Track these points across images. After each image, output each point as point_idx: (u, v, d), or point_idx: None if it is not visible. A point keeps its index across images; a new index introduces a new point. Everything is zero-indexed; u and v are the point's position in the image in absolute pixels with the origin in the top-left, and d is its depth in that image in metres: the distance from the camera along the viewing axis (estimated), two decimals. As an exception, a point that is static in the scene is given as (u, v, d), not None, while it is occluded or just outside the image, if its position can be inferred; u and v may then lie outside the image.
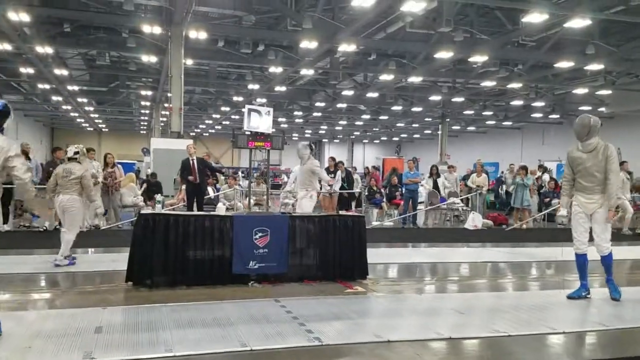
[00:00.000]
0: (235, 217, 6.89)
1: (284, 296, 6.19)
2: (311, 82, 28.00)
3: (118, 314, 5.41)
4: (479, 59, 19.59)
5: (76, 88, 29.36)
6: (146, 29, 16.91)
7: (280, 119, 39.45)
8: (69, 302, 5.95)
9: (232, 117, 38.80)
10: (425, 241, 11.91)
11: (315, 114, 37.27)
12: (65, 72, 25.07)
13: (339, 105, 33.35)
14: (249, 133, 7.51)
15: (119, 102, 35.23)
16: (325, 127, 49.06)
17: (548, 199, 16.08)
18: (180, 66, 16.77)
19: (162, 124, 30.86)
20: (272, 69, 23.10)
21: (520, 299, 6.57)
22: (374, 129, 49.97)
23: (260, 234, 6.80)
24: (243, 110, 7.94)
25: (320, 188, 13.76)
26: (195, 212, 9.93)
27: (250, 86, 27.49)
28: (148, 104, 34.12)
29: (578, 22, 14.74)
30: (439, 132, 38.31)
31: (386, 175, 20.28)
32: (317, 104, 32.90)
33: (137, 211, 12.51)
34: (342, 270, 7.19)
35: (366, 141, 61.83)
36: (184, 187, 12.54)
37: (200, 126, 49.76)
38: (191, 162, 12.03)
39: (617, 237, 13.03)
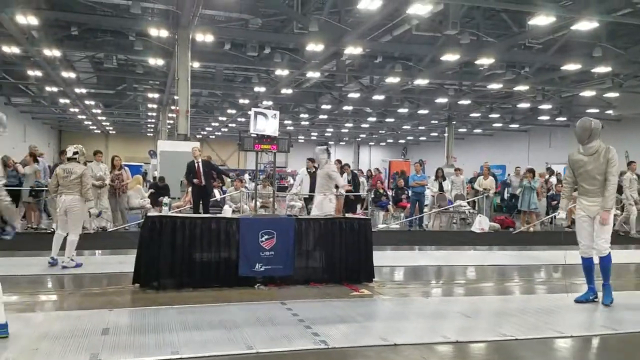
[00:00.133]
0: (242, 220, 6.90)
1: (290, 299, 6.20)
2: (317, 85, 28.00)
3: (125, 315, 5.44)
4: (485, 61, 19.53)
5: (84, 91, 29.50)
6: (153, 32, 16.97)
7: (286, 122, 39.46)
8: (76, 304, 5.99)
9: (239, 119, 38.87)
10: (431, 244, 11.88)
11: (321, 116, 37.27)
12: (72, 75, 25.19)
13: (345, 108, 33.33)
14: (255, 136, 7.52)
15: (126, 105, 35.38)
16: (331, 130, 49.05)
17: (556, 202, 16.00)
18: (187, 69, 16.81)
19: (169, 127, 30.93)
20: (278, 72, 23.13)
21: (527, 302, 6.55)
22: (380, 132, 49.93)
23: (266, 237, 6.81)
24: (249, 112, 7.94)
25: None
26: (202, 215, 9.94)
27: (257, 89, 27.52)
28: (155, 106, 34.21)
29: (585, 25, 14.66)
30: (446, 135, 38.21)
31: (393, 176, 20.22)
32: (323, 106, 32.89)
33: (144, 213, 12.57)
34: (348, 273, 7.19)
35: (372, 144, 61.79)
36: (190, 189, 12.57)
37: (207, 129, 49.88)
38: (196, 164, 12.06)
39: (626, 240, 13.03)
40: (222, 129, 47.76)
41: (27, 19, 15.05)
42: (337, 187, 9.73)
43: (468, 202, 16.47)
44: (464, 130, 43.96)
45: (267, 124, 7.57)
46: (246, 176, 26.84)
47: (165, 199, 9.57)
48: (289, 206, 14.74)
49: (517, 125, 38.80)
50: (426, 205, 15.88)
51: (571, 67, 19.77)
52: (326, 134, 53.81)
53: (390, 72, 22.58)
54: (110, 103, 35.59)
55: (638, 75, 23.00)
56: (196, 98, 31.84)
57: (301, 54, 20.37)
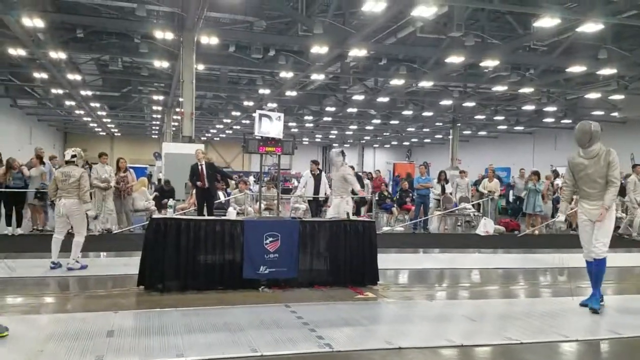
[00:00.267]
0: (246, 222, 6.91)
1: (295, 301, 6.20)
2: (322, 87, 28.01)
3: (130, 318, 5.45)
4: (490, 63, 19.50)
5: (89, 93, 29.61)
6: (158, 34, 17.03)
7: (290, 124, 39.50)
8: (81, 306, 6.00)
9: (243, 121, 38.91)
10: (436, 247, 11.86)
11: (325, 118, 37.28)
12: (78, 77, 25.29)
13: (350, 110, 33.31)
14: (260, 138, 7.53)
15: (131, 107, 35.47)
16: (336, 132, 49.05)
17: (560, 205, 15.94)
18: (192, 71, 16.85)
19: (174, 129, 31.05)
20: (283, 74, 23.16)
21: (532, 305, 6.51)
22: (385, 134, 49.88)
23: (270, 239, 6.81)
24: (254, 115, 7.95)
25: (331, 193, 13.78)
26: (206, 217, 9.95)
27: (261, 91, 27.57)
28: (160, 108, 34.31)
29: (590, 27, 14.62)
30: (450, 137, 38.11)
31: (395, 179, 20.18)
32: (328, 108, 32.90)
33: (148, 215, 12.59)
34: (353, 276, 7.18)
35: (376, 146, 61.74)
36: (194, 191, 12.58)
37: (212, 131, 49.96)
38: (200, 167, 12.07)
39: (629, 243, 12.98)
40: (227, 131, 47.82)
41: (33, 22, 15.13)
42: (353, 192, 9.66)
43: (473, 205, 16.43)
44: (469, 132, 43.87)
45: (271, 126, 7.58)
46: (251, 178, 26.89)
47: (170, 201, 9.60)
48: (293, 208, 14.73)
49: (522, 128, 38.69)
50: (430, 207, 15.86)
51: (576, 69, 19.71)
52: (330, 136, 53.82)
53: (394, 74, 22.58)
54: (115, 105, 35.72)
55: (643, 77, 22.92)
56: (201, 100, 31.92)
57: (306, 56, 20.39)
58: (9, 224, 11.51)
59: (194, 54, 16.87)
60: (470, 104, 30.12)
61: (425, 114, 33.71)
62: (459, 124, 37.81)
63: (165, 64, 21.61)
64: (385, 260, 8.80)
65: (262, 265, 6.74)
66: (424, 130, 44.56)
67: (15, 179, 11.51)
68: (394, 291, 7.16)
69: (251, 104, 31.18)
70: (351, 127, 43.69)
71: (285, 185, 31.09)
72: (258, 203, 10.40)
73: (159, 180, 19.53)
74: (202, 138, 48.49)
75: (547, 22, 14.33)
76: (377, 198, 16.37)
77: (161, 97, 30.44)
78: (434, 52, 19.29)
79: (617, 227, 14.46)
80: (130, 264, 7.48)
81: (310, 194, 13.42)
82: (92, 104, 33.66)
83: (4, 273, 7.34)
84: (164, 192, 14.31)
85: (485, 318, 5.87)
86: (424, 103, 31.69)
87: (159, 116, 39.07)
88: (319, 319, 5.48)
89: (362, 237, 7.28)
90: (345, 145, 60.71)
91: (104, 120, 43.37)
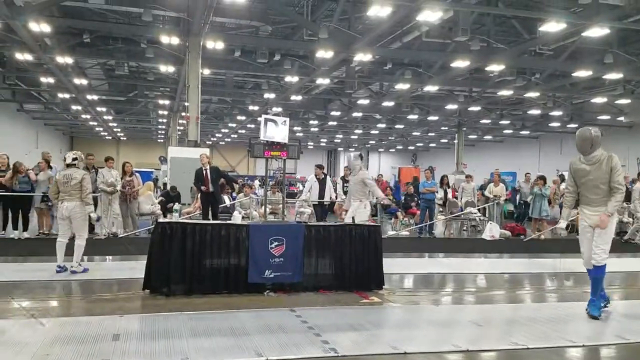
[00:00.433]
0: (251, 226, 6.91)
1: (300, 306, 6.18)
2: (327, 91, 28.07)
3: (135, 321, 5.46)
4: (495, 68, 19.50)
5: (95, 97, 29.78)
6: (164, 39, 17.12)
7: (295, 128, 39.57)
8: (87, 310, 6.01)
9: (248, 125, 39.03)
10: (441, 251, 11.81)
11: (330, 122, 37.34)
12: (84, 82, 25.46)
13: (355, 114, 33.37)
14: (265, 142, 7.54)
15: (137, 111, 35.67)
16: (341, 136, 49.08)
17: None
18: (198, 76, 16.92)
19: (179, 133, 31.13)
20: (288, 79, 23.22)
21: (538, 311, 6.47)
22: (390, 138, 49.88)
23: (276, 243, 6.81)
24: (259, 119, 7.96)
25: (336, 197, 13.78)
26: (211, 221, 9.96)
27: (266, 95, 27.64)
28: (165, 113, 34.46)
29: (596, 31, 14.60)
30: (456, 141, 38.10)
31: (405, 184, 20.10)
32: (333, 113, 32.96)
33: (154, 219, 12.62)
34: (358, 280, 7.16)
35: (382, 150, 61.72)
36: (199, 195, 12.60)
37: (217, 135, 50.12)
38: (204, 171, 12.09)
39: (636, 248, 12.91)
40: (232, 135, 47.96)
41: (40, 27, 15.25)
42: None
43: (478, 209, 16.39)
44: (474, 136, 43.82)
45: (277, 130, 7.59)
46: (256, 182, 26.92)
47: (176, 205, 9.61)
48: (298, 213, 14.74)
49: (527, 132, 38.62)
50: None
51: (582, 73, 19.69)
52: (335, 140, 53.86)
53: (400, 79, 22.60)
54: (121, 109, 35.92)
55: (650, 81, 22.86)
56: (206, 104, 32.05)
57: (311, 61, 20.45)
58: (15, 227, 11.56)
59: (199, 59, 16.95)
60: (475, 108, 30.09)
61: (431, 118, 33.70)
62: (465, 128, 37.80)
63: (171, 69, 21.72)
64: (391, 264, 8.79)
65: (267, 269, 6.74)
66: (429, 134, 44.55)
67: (21, 183, 11.56)
68: (400, 296, 7.14)
69: (256, 108, 31.27)
70: (356, 131, 43.72)
71: (291, 190, 31.10)
72: (263, 207, 10.40)
73: (165, 184, 19.59)
74: (208, 142, 48.59)
75: (552, 26, 14.32)
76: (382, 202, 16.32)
77: (167, 102, 30.57)
78: (440, 56, 19.31)
79: (624, 232, 14.43)
80: (136, 268, 7.50)
81: (315, 198, 13.43)
82: (99, 109, 33.86)
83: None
84: (169, 198, 14.34)
85: (491, 323, 5.84)
86: (429, 107, 31.71)
87: (164, 120, 39.25)
88: (324, 323, 5.47)
89: (367, 242, 7.27)
90: (350, 149, 60.72)
91: (110, 124, 43.59)
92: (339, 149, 61.49)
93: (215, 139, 52.88)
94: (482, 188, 18.64)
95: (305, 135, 46.95)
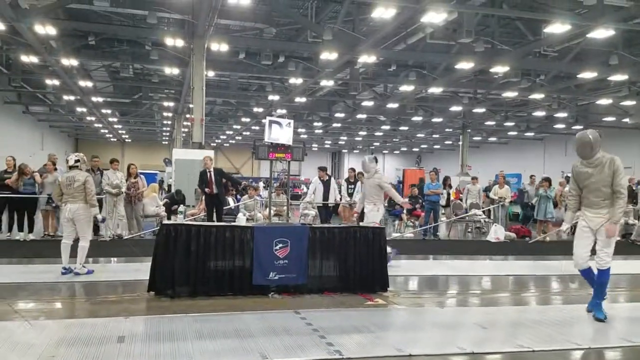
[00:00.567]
0: (256, 228, 6.91)
1: (304, 308, 6.18)
2: (331, 93, 28.08)
3: (140, 323, 5.47)
4: (500, 69, 19.46)
5: (100, 99, 29.88)
6: (169, 41, 17.17)
7: (299, 130, 39.58)
8: (92, 312, 6.03)
9: (253, 127, 39.08)
10: (446, 253, 11.79)
11: (335, 124, 37.34)
12: (89, 84, 25.56)
13: (359, 116, 33.36)
14: (270, 144, 7.54)
15: (142, 113, 35.77)
16: (345, 138, 49.11)
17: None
18: (202, 78, 16.96)
19: (184, 135, 31.21)
20: (292, 80, 23.25)
21: (544, 313, 6.44)
22: (394, 140, 49.87)
23: (280, 245, 6.81)
24: (263, 121, 7.97)
25: (341, 199, 13.79)
26: (216, 223, 9.97)
27: (271, 97, 27.68)
28: (170, 115, 34.55)
29: (601, 33, 14.55)
30: (460, 143, 38.03)
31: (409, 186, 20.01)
32: (337, 114, 32.96)
33: (159, 221, 12.64)
34: (363, 282, 7.15)
35: (386, 152, 61.70)
36: (204, 197, 12.62)
37: (221, 137, 50.21)
38: (208, 173, 12.11)
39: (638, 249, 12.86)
40: (236, 137, 48.03)
41: (46, 29, 15.32)
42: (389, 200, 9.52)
43: (483, 211, 16.35)
44: (479, 138, 43.75)
45: (281, 132, 7.60)
46: (260, 184, 26.93)
47: (181, 207, 9.63)
48: (302, 214, 14.74)
49: (532, 134, 38.53)
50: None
51: (587, 75, 19.63)
52: (340, 142, 53.87)
53: (404, 80, 22.59)
54: (126, 111, 36.04)
55: (655, 83, 22.76)
56: (211, 106, 32.09)
57: (315, 63, 20.46)
58: (20, 229, 11.60)
59: (204, 61, 16.98)
60: (480, 110, 30.05)
61: (435, 120, 33.67)
62: (469, 130, 37.72)
63: (175, 71, 21.78)
64: (396, 266, 8.80)
65: (271, 271, 6.75)
66: (434, 136, 44.50)
67: (26, 185, 11.61)
68: (404, 298, 7.13)
69: (261, 110, 31.32)
70: (360, 133, 43.73)
71: (295, 192, 31.11)
72: (267, 209, 10.41)
73: (169, 186, 19.61)
74: (212, 144, 48.76)
75: (557, 28, 14.29)
76: (386, 204, 16.29)
77: (171, 104, 30.66)
78: (444, 58, 19.29)
79: (629, 234, 14.38)
80: (140, 270, 7.51)
81: (320, 200, 13.44)
82: (103, 111, 33.98)
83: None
84: (174, 200, 14.38)
85: (496, 325, 5.83)
86: (434, 109, 31.67)
87: (169, 122, 39.34)
88: (329, 325, 5.47)
89: (372, 244, 7.26)
90: (354, 151, 60.77)
91: (115, 126, 43.74)
92: (343, 150, 61.53)
93: (219, 141, 52.99)
94: (487, 190, 18.60)
95: (309, 137, 46.97)
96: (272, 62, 19.54)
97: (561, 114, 30.11)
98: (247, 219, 13.17)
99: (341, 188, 14.28)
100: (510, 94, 24.70)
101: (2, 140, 27.80)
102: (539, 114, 30.61)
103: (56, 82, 25.37)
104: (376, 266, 7.22)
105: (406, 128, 38.76)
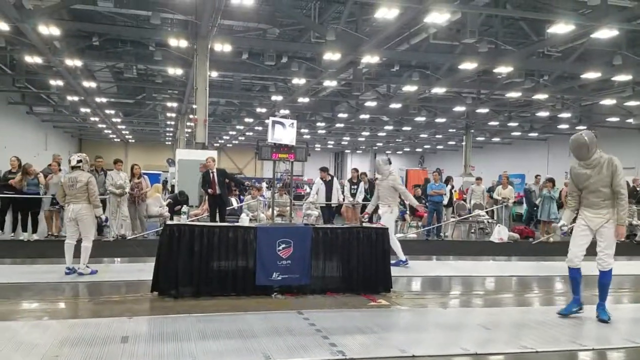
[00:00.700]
0: (259, 229, 6.92)
1: (307, 308, 6.19)
2: (334, 94, 28.08)
3: (144, 324, 5.48)
4: (503, 69, 19.41)
5: (104, 100, 29.95)
6: (172, 42, 17.20)
7: (303, 130, 39.58)
8: (95, 312, 6.04)
9: (256, 128, 39.11)
10: (449, 254, 11.78)
11: (337, 124, 37.34)
12: (93, 85, 25.62)
13: (362, 116, 33.35)
14: (273, 145, 7.55)
15: (146, 114, 35.83)
16: (348, 138, 49.08)
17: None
18: (206, 78, 16.98)
19: (187, 135, 31.24)
20: (296, 81, 23.26)
21: (547, 314, 6.41)
22: (397, 140, 49.82)
23: (283, 246, 6.82)
24: (266, 121, 7.99)
25: (344, 199, 13.79)
26: (219, 223, 9.98)
27: (274, 97, 27.69)
28: (173, 115, 34.62)
29: (605, 33, 14.50)
30: (463, 143, 37.97)
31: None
32: (340, 115, 32.97)
33: (162, 221, 12.66)
34: (366, 283, 7.15)
35: (389, 152, 61.53)
36: (207, 198, 12.64)
37: (225, 137, 50.26)
38: (211, 174, 12.11)
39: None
40: (240, 138, 48.09)
41: (50, 30, 15.38)
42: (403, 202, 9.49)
43: (487, 212, 16.33)
44: (482, 138, 43.68)
45: (284, 133, 7.61)
46: (263, 184, 26.96)
47: (184, 208, 9.63)
48: (305, 215, 14.74)
49: (536, 134, 38.44)
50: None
51: (591, 75, 19.57)
52: (343, 143, 53.85)
53: (407, 81, 22.57)
54: (129, 112, 36.12)
55: (659, 83, 22.67)
56: (214, 107, 32.15)
57: (318, 63, 20.46)
58: (24, 229, 11.63)
59: (207, 61, 17.01)
60: (483, 110, 29.99)
61: (438, 120, 33.64)
62: (472, 130, 37.67)
63: (179, 71, 21.82)
64: (399, 267, 8.79)
65: (274, 271, 6.75)
66: (437, 136, 44.44)
67: (30, 185, 11.64)
68: (407, 298, 7.12)
69: (264, 110, 31.34)
70: (363, 133, 43.71)
71: (298, 192, 31.12)
72: (271, 209, 10.42)
73: (173, 186, 19.64)
74: (215, 144, 48.72)
75: (561, 28, 14.25)
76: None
77: (175, 104, 30.72)
78: (447, 58, 19.27)
79: (634, 235, 14.34)
80: (144, 270, 7.52)
81: (323, 201, 13.44)
82: (107, 111, 34.05)
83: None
84: (177, 201, 14.40)
85: (500, 326, 5.82)
86: (437, 109, 31.64)
87: (172, 123, 39.43)
88: (332, 326, 5.46)
89: (375, 244, 7.26)
90: (357, 151, 60.74)
91: (119, 126, 43.83)
92: (346, 151, 61.49)
93: (222, 142, 53.02)
94: (490, 190, 18.57)
95: (312, 138, 46.97)
96: (275, 63, 19.55)
97: (565, 115, 30.04)
98: (250, 220, 13.22)
99: (344, 188, 14.29)
100: (513, 94, 24.64)
101: (6, 140, 27.92)
102: (543, 114, 30.53)
103: (60, 83, 25.44)
104: (379, 267, 7.22)
105: (409, 128, 38.72)
